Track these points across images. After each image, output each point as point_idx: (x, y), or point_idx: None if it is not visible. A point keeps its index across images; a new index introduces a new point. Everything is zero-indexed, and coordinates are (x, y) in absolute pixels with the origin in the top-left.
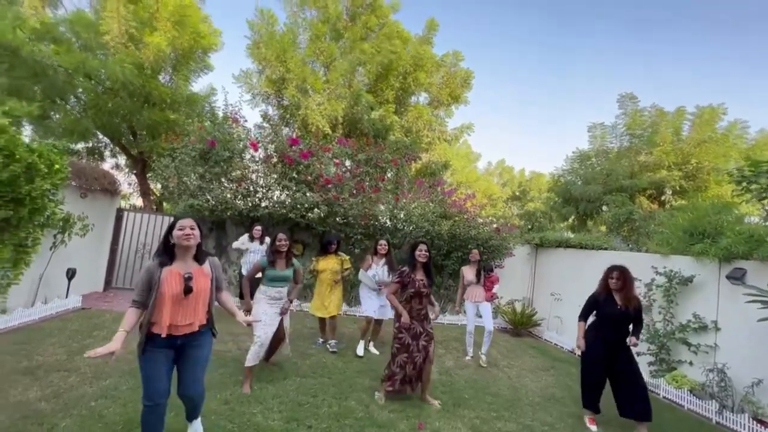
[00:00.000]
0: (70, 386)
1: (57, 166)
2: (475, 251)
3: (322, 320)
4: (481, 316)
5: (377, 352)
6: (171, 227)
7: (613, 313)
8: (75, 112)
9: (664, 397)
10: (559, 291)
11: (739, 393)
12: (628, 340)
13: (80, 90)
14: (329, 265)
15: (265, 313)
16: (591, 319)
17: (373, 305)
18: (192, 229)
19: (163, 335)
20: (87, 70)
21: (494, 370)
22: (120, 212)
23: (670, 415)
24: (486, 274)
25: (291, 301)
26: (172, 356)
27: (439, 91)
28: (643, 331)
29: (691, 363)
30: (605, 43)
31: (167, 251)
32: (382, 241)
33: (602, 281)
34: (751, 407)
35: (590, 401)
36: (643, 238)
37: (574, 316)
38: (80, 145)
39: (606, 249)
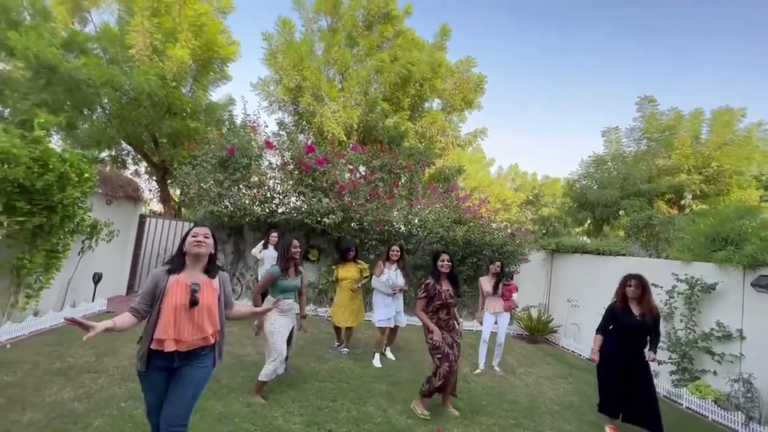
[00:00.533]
0: (101, 387)
1: (86, 175)
2: (498, 264)
3: (338, 328)
4: (496, 324)
5: (393, 357)
6: (187, 234)
7: (630, 324)
8: (101, 122)
9: (687, 408)
10: (575, 297)
11: (766, 404)
12: (646, 354)
13: (105, 101)
14: (349, 273)
15: (282, 326)
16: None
17: (387, 313)
18: (206, 237)
19: (167, 350)
20: (114, 84)
21: (511, 377)
22: (142, 218)
23: (694, 426)
24: (505, 282)
25: (305, 317)
26: (167, 378)
27: (452, 97)
28: (664, 339)
29: (715, 373)
30: (618, 46)
31: (179, 259)
32: (395, 247)
33: (619, 290)
34: None
35: (606, 405)
36: (663, 243)
37: (591, 322)
38: (104, 154)
39: (624, 255)
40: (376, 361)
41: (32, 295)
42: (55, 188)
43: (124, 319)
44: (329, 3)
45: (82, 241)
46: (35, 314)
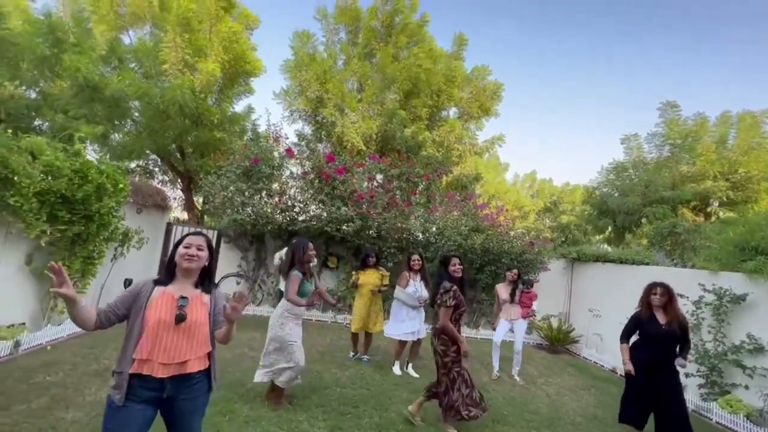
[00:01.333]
0: None
1: (121, 185)
2: (515, 271)
3: (355, 334)
4: (512, 332)
5: (417, 375)
6: (178, 242)
7: (657, 332)
8: (132, 134)
9: (717, 423)
10: (597, 307)
11: None
12: (676, 361)
13: (136, 114)
14: (370, 279)
15: (298, 336)
16: (633, 338)
17: (413, 326)
18: (199, 249)
19: (156, 375)
20: (149, 96)
21: (532, 387)
22: (169, 226)
23: None
24: (524, 290)
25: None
26: (152, 416)
27: (469, 105)
28: (692, 351)
29: (746, 387)
30: (638, 50)
31: (170, 269)
32: (415, 256)
33: (644, 298)
34: None
35: (627, 414)
36: (689, 252)
37: (614, 333)
38: (133, 164)
39: (648, 264)
40: (397, 369)
41: None
42: (93, 198)
43: (89, 310)
44: (349, 14)
45: (115, 248)
46: None
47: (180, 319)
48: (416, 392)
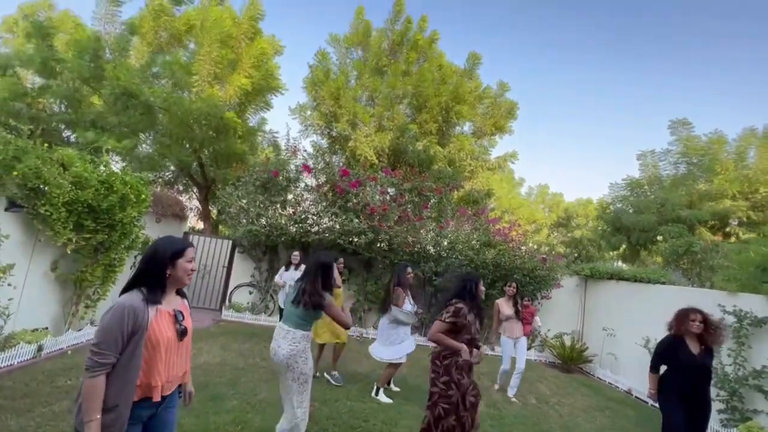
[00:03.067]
0: None
1: (143, 196)
2: (513, 285)
3: (322, 347)
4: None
5: (398, 389)
6: (177, 253)
7: (689, 362)
8: (157, 145)
9: None
10: (611, 326)
11: None
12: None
13: (161, 125)
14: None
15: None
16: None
17: (409, 346)
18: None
19: (157, 399)
20: (177, 106)
21: (544, 406)
22: (186, 235)
23: None
24: (523, 305)
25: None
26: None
27: (483, 122)
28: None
29: None
30: (653, 67)
31: (160, 283)
32: (410, 268)
33: (678, 323)
34: None
35: None
36: (706, 272)
37: (629, 353)
38: (153, 174)
39: (664, 283)
40: (383, 397)
41: (90, 305)
42: (117, 208)
43: (102, 392)
44: (359, 36)
45: (135, 256)
46: (92, 323)
47: (183, 334)
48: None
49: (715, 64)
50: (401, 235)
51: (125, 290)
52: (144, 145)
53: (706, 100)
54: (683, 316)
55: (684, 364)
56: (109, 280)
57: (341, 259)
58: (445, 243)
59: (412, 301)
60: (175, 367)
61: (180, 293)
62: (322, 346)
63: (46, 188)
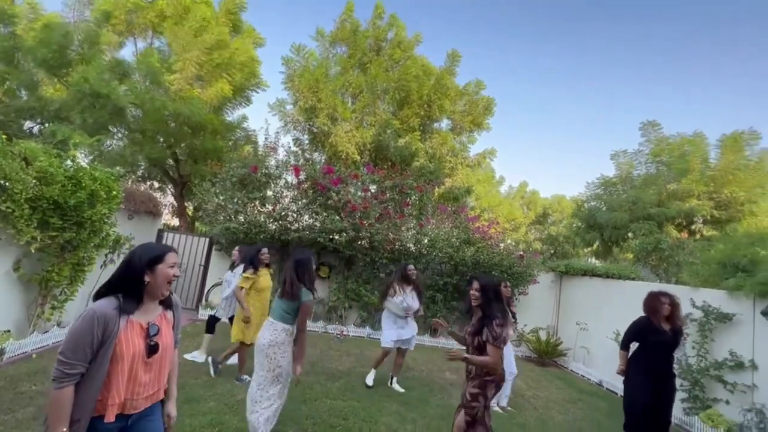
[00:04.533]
0: None
1: (114, 192)
2: (509, 286)
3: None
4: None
5: (401, 390)
6: (155, 259)
7: (661, 340)
8: (127, 140)
9: None
10: (585, 320)
11: None
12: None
13: (132, 120)
14: (268, 281)
15: (290, 362)
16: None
17: (400, 335)
18: (179, 265)
19: (111, 419)
20: (152, 105)
21: (520, 400)
22: (160, 232)
23: None
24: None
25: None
26: None
27: (461, 118)
28: (675, 365)
29: (727, 402)
30: (630, 66)
31: (137, 292)
32: (410, 266)
33: (650, 306)
34: None
35: (633, 426)
36: (673, 267)
37: (601, 346)
38: (123, 169)
39: (634, 279)
40: (369, 379)
41: (57, 306)
42: (85, 205)
43: (69, 404)
44: (345, 32)
45: (105, 255)
46: (59, 325)
47: (153, 351)
48: (406, 404)
49: (688, 63)
50: (382, 232)
51: (99, 295)
52: (114, 140)
53: (682, 97)
54: (654, 298)
55: (655, 341)
56: (77, 280)
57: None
58: (426, 241)
59: (408, 295)
60: (144, 385)
61: (165, 303)
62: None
63: (7, 184)
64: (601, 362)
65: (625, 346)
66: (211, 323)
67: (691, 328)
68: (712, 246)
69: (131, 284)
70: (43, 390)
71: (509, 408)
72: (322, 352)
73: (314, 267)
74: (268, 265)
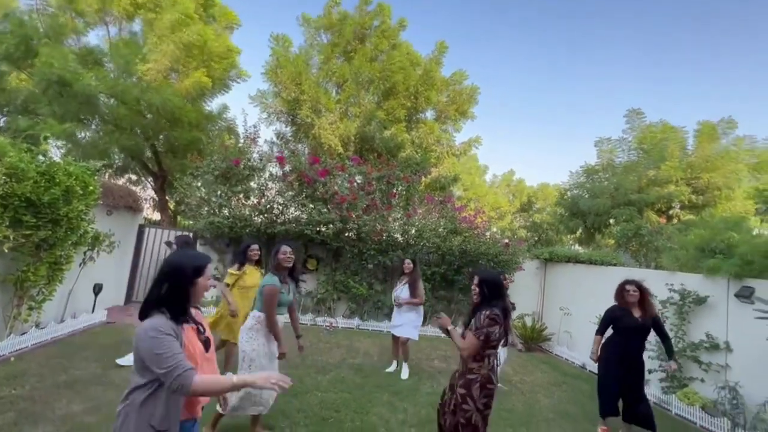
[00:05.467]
0: (110, 400)
1: (91, 188)
2: (507, 280)
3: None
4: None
5: (404, 378)
6: (198, 271)
7: (630, 325)
8: (102, 132)
9: (676, 414)
10: (568, 305)
11: (751, 411)
12: (667, 365)
13: (107, 111)
14: (256, 279)
15: (263, 355)
16: (608, 332)
17: (393, 322)
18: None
19: (199, 414)
20: (124, 95)
21: (507, 385)
22: (141, 228)
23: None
24: None
25: (300, 337)
26: None
27: (446, 107)
28: (653, 347)
29: (702, 380)
30: (616, 53)
31: (185, 302)
32: (407, 261)
33: (618, 295)
34: (762, 425)
35: (609, 407)
36: (652, 253)
37: (583, 330)
38: (100, 162)
39: (615, 265)
40: (404, 373)
41: (35, 307)
42: (60, 202)
43: (202, 378)
44: (331, 19)
45: (84, 253)
46: (37, 325)
47: (207, 345)
48: (396, 394)
49: (675, 53)
50: (370, 224)
51: (144, 311)
52: (86, 132)
53: (674, 82)
54: (621, 287)
55: (625, 326)
56: (55, 279)
57: (285, 247)
58: (413, 231)
59: (399, 287)
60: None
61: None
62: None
63: None
64: (583, 346)
65: (600, 332)
66: None
67: (669, 311)
68: (689, 230)
69: (180, 296)
70: (24, 394)
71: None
72: (311, 345)
73: (286, 253)
74: (258, 262)
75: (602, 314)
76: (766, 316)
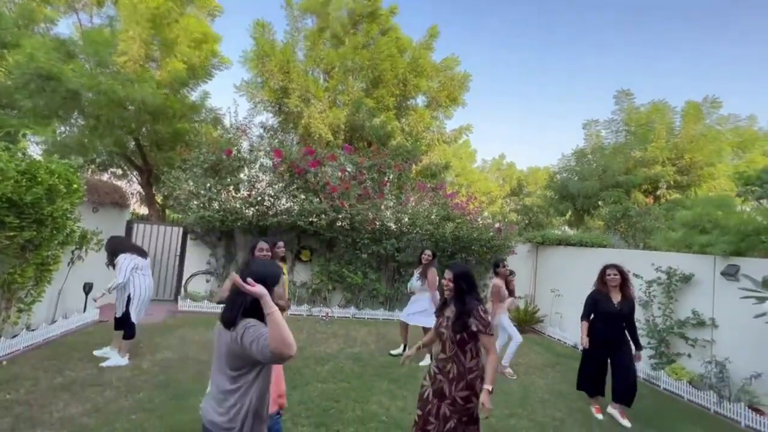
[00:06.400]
0: (108, 400)
1: (75, 186)
2: (506, 265)
3: None
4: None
5: (422, 364)
6: (276, 279)
7: (609, 311)
8: (85, 129)
9: (665, 389)
10: (559, 287)
11: (735, 384)
12: (636, 355)
13: (87, 105)
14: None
15: None
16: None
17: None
18: None
19: (274, 409)
20: (106, 91)
21: (501, 367)
22: (130, 224)
23: (670, 406)
24: (509, 279)
25: None
26: None
27: (437, 94)
28: (643, 326)
29: (689, 356)
30: (604, 35)
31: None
32: (426, 252)
33: (599, 279)
34: (746, 397)
35: (584, 384)
36: (640, 233)
37: (573, 311)
38: (82, 159)
39: (605, 246)
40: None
41: (24, 309)
42: (44, 201)
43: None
44: (317, 2)
45: (72, 252)
46: (28, 327)
47: None
48: (395, 381)
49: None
50: (363, 213)
51: (234, 319)
52: (66, 127)
53: (662, 67)
54: (602, 272)
55: (602, 311)
56: (43, 279)
57: (262, 243)
58: (406, 219)
59: (414, 276)
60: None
61: None
62: None
63: None
64: (574, 326)
65: (585, 317)
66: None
67: (657, 291)
68: (675, 210)
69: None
70: (19, 398)
71: (508, 368)
72: (308, 336)
73: (262, 249)
74: (283, 259)
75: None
76: (752, 295)
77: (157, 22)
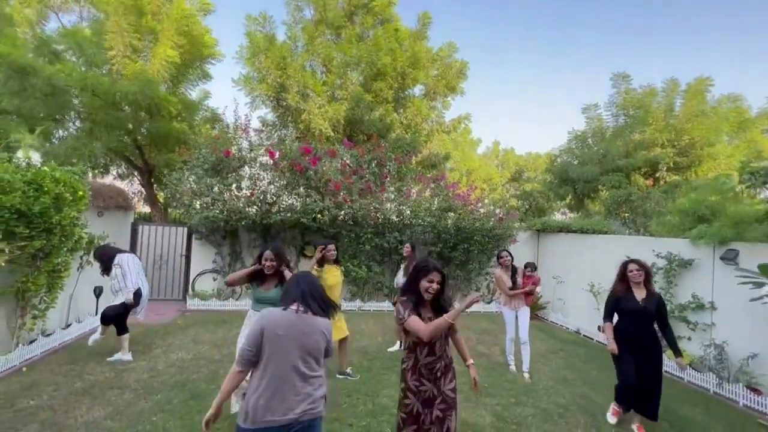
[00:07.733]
0: (128, 403)
1: (80, 193)
2: (508, 257)
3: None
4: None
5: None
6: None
7: (633, 308)
8: (81, 132)
9: (666, 372)
10: (561, 274)
11: (734, 365)
12: (678, 361)
13: (81, 106)
14: (336, 278)
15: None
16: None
17: None
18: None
19: None
20: (96, 88)
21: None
22: (134, 226)
23: (671, 388)
24: (528, 274)
25: None
26: None
27: (435, 83)
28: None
29: (689, 339)
30: (602, 18)
31: None
32: (407, 245)
33: (620, 276)
34: (744, 377)
35: (623, 399)
36: (641, 218)
37: (575, 297)
38: (83, 164)
39: (606, 233)
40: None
41: (39, 315)
42: (51, 210)
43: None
44: None
45: (81, 257)
46: (43, 334)
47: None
48: None
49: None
50: (365, 207)
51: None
52: (63, 131)
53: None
54: (622, 268)
55: (626, 309)
56: (55, 286)
57: (268, 252)
58: (408, 212)
59: (401, 271)
60: None
61: None
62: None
63: None
64: (577, 312)
65: (607, 317)
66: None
67: (658, 276)
68: (675, 192)
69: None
70: (42, 404)
71: (527, 374)
72: None
73: (267, 259)
74: (336, 261)
75: (593, 282)
76: (750, 280)
77: (139, 10)
